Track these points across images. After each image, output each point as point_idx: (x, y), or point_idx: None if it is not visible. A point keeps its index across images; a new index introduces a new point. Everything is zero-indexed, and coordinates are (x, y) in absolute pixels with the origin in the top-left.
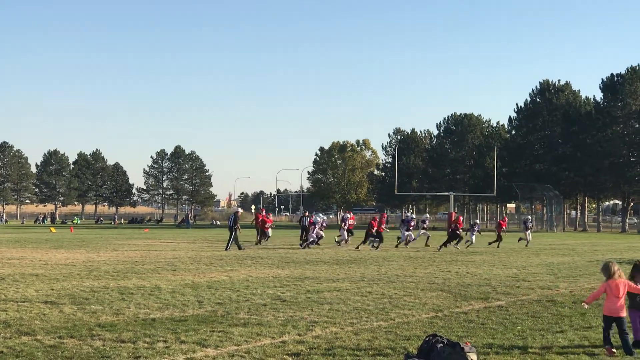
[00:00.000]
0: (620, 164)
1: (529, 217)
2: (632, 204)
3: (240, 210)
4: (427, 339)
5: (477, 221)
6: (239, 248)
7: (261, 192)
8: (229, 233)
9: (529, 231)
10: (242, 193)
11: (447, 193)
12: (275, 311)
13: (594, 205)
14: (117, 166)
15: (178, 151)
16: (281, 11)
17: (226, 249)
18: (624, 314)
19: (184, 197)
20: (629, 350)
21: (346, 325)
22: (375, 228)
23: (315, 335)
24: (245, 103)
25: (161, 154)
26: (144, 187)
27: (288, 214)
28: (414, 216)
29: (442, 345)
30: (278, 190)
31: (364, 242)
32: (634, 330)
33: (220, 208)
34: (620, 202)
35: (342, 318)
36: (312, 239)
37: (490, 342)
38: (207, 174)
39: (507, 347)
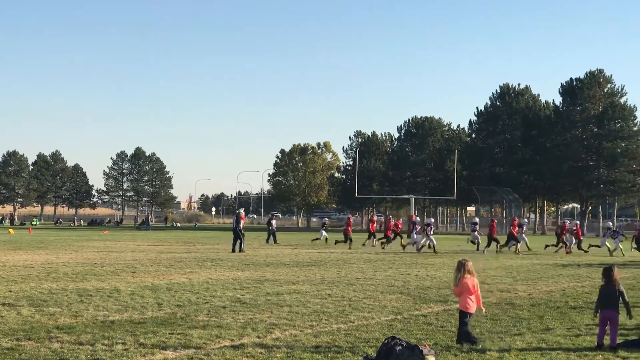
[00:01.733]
0: (579, 168)
1: (525, 220)
2: (590, 207)
3: (242, 211)
4: (386, 341)
5: (432, 220)
6: (234, 250)
7: (222, 194)
8: (234, 235)
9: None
10: (202, 195)
11: (407, 196)
12: (234, 313)
13: (553, 209)
14: (76, 167)
15: (138, 153)
16: (240, 13)
17: (235, 250)
18: (474, 309)
19: (144, 198)
20: (474, 341)
21: (306, 327)
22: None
23: (274, 338)
24: (206, 105)
25: (121, 156)
26: (104, 189)
27: (256, 216)
28: (418, 220)
29: (401, 347)
30: (239, 193)
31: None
32: (599, 332)
33: (180, 210)
34: (578, 206)
35: (301, 320)
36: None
37: (449, 345)
38: (167, 175)
39: (466, 349)
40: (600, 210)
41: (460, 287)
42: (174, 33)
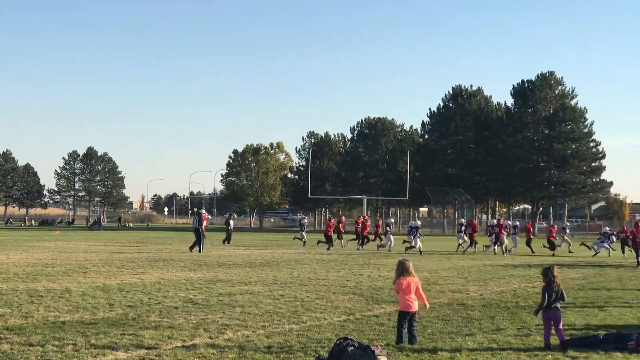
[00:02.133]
0: (530, 169)
1: (509, 222)
2: (541, 208)
3: (204, 211)
4: (338, 342)
5: (391, 220)
6: (200, 250)
7: (174, 195)
8: (195, 235)
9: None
10: (155, 195)
11: (360, 197)
12: (187, 314)
13: (504, 210)
14: (28, 167)
15: (90, 152)
16: (194, 14)
17: (200, 251)
18: (415, 309)
19: (96, 198)
20: (401, 340)
21: (258, 328)
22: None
23: (226, 338)
24: (159, 105)
25: (73, 155)
26: (56, 189)
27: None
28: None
29: (353, 348)
30: (191, 193)
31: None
32: (545, 333)
33: (133, 210)
34: (529, 207)
35: (254, 321)
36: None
37: (401, 345)
38: (119, 175)
39: (417, 349)
40: (551, 211)
41: (397, 286)
42: (123, 32)
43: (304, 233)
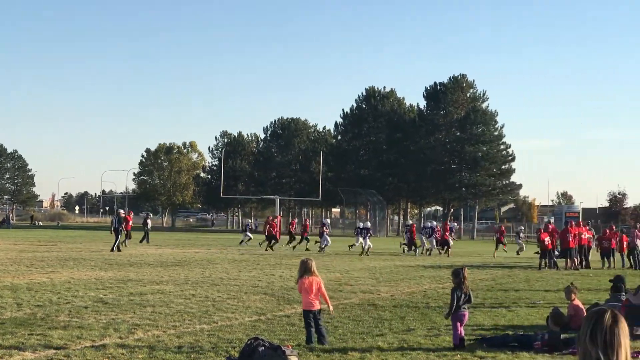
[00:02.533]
0: (442, 171)
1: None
2: (452, 210)
3: (122, 211)
4: (249, 342)
5: (328, 220)
6: (115, 250)
7: (85, 193)
8: (115, 235)
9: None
10: (65, 193)
11: (273, 197)
12: (96, 314)
13: (416, 211)
14: None
15: None
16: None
17: (112, 250)
18: (318, 307)
19: (5, 197)
20: (311, 340)
21: (169, 328)
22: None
23: (137, 338)
24: (70, 102)
25: None
26: None
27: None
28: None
29: (263, 348)
30: (103, 192)
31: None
32: (454, 333)
33: (43, 209)
34: (441, 208)
35: (164, 321)
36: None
37: (312, 346)
38: (29, 173)
39: (328, 350)
40: (462, 212)
41: (299, 287)
42: (26, 26)
43: (249, 234)
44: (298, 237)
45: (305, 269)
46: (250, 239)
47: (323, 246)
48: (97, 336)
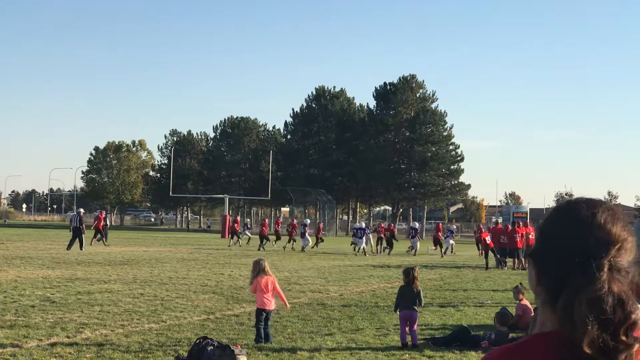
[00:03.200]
0: (391, 171)
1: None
2: (401, 209)
3: (82, 210)
4: (197, 341)
5: (308, 221)
6: (80, 248)
7: (33, 191)
8: (73, 233)
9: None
10: (13, 191)
11: (222, 195)
12: (44, 313)
13: (365, 211)
14: None
15: None
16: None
17: (69, 249)
18: (272, 307)
19: None
20: (261, 339)
21: (117, 327)
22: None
23: (84, 338)
24: (17, 97)
25: None
26: None
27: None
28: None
29: (212, 347)
30: (51, 190)
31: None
32: (402, 333)
33: None
34: (390, 208)
35: (112, 320)
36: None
37: (260, 345)
38: None
39: (277, 349)
40: (410, 212)
41: (254, 286)
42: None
43: (248, 232)
44: (271, 238)
45: (260, 269)
46: (250, 238)
47: (304, 246)
48: (44, 335)
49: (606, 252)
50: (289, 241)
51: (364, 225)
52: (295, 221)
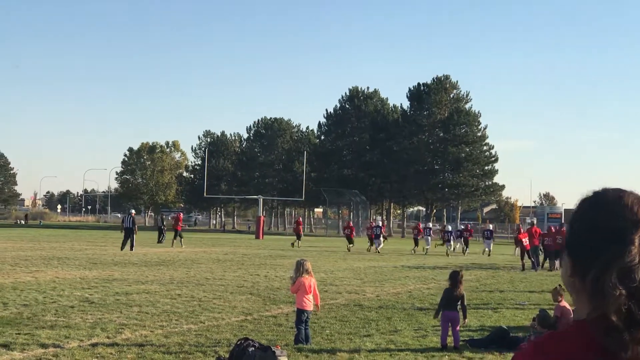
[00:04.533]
0: (425, 172)
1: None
2: (435, 210)
3: (134, 211)
4: (238, 342)
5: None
6: (131, 249)
7: (68, 192)
8: (125, 234)
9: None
10: (47, 192)
11: (256, 197)
12: (83, 313)
13: (399, 212)
14: None
15: None
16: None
17: (131, 249)
18: (311, 308)
19: None
20: (299, 341)
21: (156, 328)
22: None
23: (125, 338)
24: (53, 100)
25: None
26: None
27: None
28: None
29: (253, 348)
30: (85, 190)
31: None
32: (442, 334)
33: (25, 207)
34: (424, 209)
35: (151, 321)
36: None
37: (300, 346)
38: (11, 172)
39: (317, 350)
40: (444, 213)
41: (296, 286)
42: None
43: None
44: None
45: (304, 270)
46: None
47: (378, 247)
48: (85, 336)
49: (635, 229)
50: (371, 244)
51: (380, 223)
52: (373, 223)
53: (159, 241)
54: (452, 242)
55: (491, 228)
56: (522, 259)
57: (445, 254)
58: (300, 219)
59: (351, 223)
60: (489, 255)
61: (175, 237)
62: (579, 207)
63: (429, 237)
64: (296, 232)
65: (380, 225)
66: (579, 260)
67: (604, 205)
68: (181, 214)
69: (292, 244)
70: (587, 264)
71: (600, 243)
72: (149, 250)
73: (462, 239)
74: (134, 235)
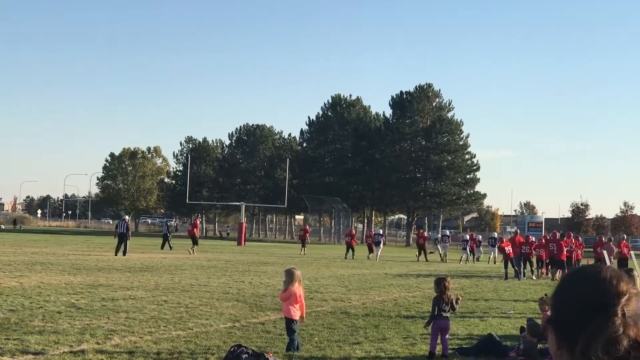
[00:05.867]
0: (407, 180)
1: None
2: (416, 218)
3: (128, 217)
4: (232, 349)
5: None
6: (125, 254)
7: (48, 197)
8: (119, 239)
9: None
10: (27, 197)
11: (238, 203)
12: (70, 319)
13: (380, 219)
14: None
15: None
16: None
17: (117, 254)
18: (297, 317)
19: None
20: (290, 349)
21: (145, 334)
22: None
23: (114, 344)
24: (32, 103)
25: None
26: None
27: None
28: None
29: (247, 355)
30: (65, 195)
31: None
32: (432, 342)
33: (4, 212)
34: (405, 217)
35: (140, 327)
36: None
37: (290, 354)
38: None
39: (307, 357)
40: (426, 221)
41: (287, 294)
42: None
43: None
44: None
45: (294, 278)
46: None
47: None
48: (74, 342)
49: (618, 301)
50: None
51: (380, 231)
52: (372, 232)
53: (168, 247)
54: (468, 251)
55: (496, 236)
56: (505, 267)
57: (459, 261)
58: (307, 227)
59: (353, 231)
60: (494, 262)
61: (194, 244)
62: (561, 285)
63: (447, 245)
64: (302, 240)
65: (380, 232)
66: (565, 334)
67: (585, 281)
68: (197, 220)
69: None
70: (573, 337)
71: (584, 316)
72: (141, 256)
73: (468, 249)
74: (127, 241)
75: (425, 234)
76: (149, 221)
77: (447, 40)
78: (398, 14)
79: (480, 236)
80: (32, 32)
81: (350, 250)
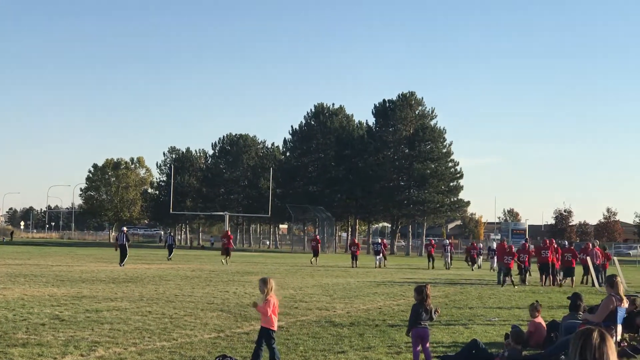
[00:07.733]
0: (390, 188)
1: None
2: (400, 226)
3: (126, 228)
4: (217, 359)
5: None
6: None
7: (31, 208)
8: (120, 250)
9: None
10: (10, 209)
11: (222, 213)
12: (54, 331)
13: (364, 228)
14: None
15: None
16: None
17: (120, 264)
18: (275, 327)
19: None
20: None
21: (129, 345)
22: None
23: (98, 356)
24: (16, 115)
25: None
26: None
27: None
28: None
29: None
30: (49, 207)
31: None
32: (414, 351)
33: None
34: (389, 225)
35: (124, 338)
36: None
37: None
38: None
39: None
40: (409, 229)
41: (267, 305)
42: None
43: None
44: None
45: (271, 288)
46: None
47: (378, 262)
48: (58, 354)
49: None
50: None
51: (378, 240)
52: (356, 240)
53: (169, 258)
54: (476, 260)
55: (495, 246)
56: (505, 275)
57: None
58: (319, 236)
59: (356, 240)
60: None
61: (227, 255)
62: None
63: (448, 254)
64: (314, 250)
65: (379, 242)
66: None
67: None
68: (229, 231)
69: (311, 261)
70: None
71: None
72: (127, 267)
73: (469, 256)
74: (127, 251)
75: (434, 241)
76: (140, 231)
77: (429, 48)
78: (380, 24)
79: (481, 244)
80: (16, 42)
81: (355, 259)
